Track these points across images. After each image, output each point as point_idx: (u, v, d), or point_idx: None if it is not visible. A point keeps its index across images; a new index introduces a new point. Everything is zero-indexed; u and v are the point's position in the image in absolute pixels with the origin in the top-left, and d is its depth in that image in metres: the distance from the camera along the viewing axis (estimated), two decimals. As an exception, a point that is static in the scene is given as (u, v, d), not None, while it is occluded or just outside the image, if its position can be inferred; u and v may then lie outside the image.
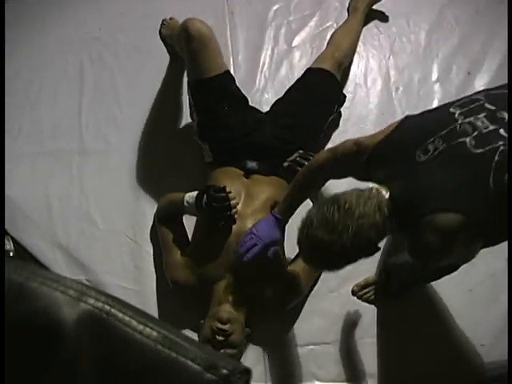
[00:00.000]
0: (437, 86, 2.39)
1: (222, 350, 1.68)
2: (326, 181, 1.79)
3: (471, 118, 1.39)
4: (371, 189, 1.42)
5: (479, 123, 1.38)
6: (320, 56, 2.21)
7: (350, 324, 2.02)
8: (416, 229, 1.39)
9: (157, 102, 2.30)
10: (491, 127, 1.37)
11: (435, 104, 2.34)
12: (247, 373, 0.80)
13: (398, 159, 1.44)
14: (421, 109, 2.29)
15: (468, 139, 1.36)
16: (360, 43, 2.43)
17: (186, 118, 2.22)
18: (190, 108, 2.08)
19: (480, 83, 2.37)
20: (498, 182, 1.31)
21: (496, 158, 1.32)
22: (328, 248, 1.36)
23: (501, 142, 1.34)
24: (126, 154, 2.23)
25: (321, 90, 2.10)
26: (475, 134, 1.36)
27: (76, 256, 2.06)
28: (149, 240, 2.10)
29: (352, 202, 1.35)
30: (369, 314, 2.01)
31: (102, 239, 2.10)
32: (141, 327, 0.81)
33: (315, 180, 1.74)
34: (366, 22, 2.46)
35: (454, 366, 1.97)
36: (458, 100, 1.50)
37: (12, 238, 2.04)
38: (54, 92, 2.32)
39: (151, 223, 2.11)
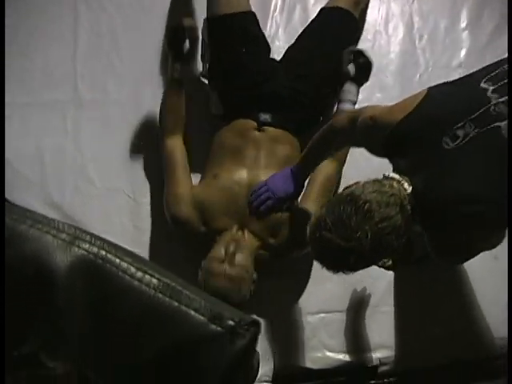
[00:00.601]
0: (465, 34, 2.33)
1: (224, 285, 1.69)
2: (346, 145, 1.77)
3: (507, 97, 1.28)
4: (392, 182, 1.34)
5: None
6: None
7: (365, 291, 2.02)
8: (441, 229, 1.35)
9: (160, 50, 2.24)
10: None
11: (463, 54, 2.30)
12: (256, 325, 0.78)
13: (422, 146, 1.35)
14: (446, 59, 2.32)
15: (503, 124, 1.26)
16: (381, -14, 2.36)
17: (192, 68, 2.17)
18: (203, 48, 2.03)
19: (515, 30, 2.30)
20: None
21: None
22: (344, 254, 1.30)
23: None
24: (126, 105, 2.19)
25: (336, 31, 2.05)
26: None
27: (71, 215, 2.04)
28: (149, 198, 2.08)
29: (372, 202, 1.27)
30: (385, 280, 2.01)
31: (99, 197, 2.09)
32: (139, 274, 0.80)
33: (334, 142, 1.70)
34: (388, -36, 2.39)
35: (475, 337, 1.96)
36: (489, 70, 1.38)
37: (0, 194, 2.03)
38: (46, 37, 2.26)
39: (152, 180, 2.09)
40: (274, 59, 2.08)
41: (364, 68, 2.02)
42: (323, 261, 1.41)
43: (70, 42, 2.26)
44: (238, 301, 1.66)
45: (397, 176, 1.36)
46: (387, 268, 1.90)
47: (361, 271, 1.93)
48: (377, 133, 1.42)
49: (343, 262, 1.34)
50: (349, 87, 2.01)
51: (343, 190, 1.39)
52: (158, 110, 2.09)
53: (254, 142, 1.90)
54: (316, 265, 1.99)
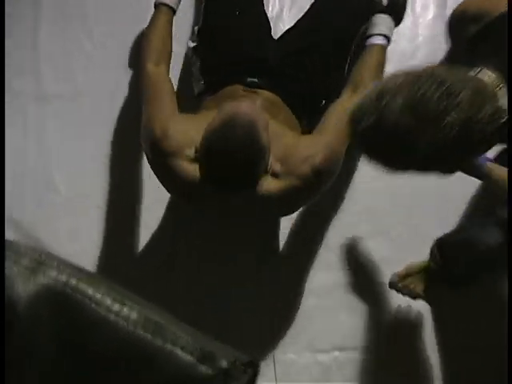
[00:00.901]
0: (509, 14, 2.34)
1: None
2: None
3: None
4: (485, 86, 1.28)
5: None
6: None
7: (388, 324, 2.03)
8: None
9: (140, 30, 2.24)
10: None
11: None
12: (254, 366, 0.80)
13: None
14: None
15: None
16: (409, -43, 2.38)
17: (176, 55, 2.19)
18: (197, 13, 2.14)
19: None
20: None
21: None
22: (410, 143, 1.21)
23: None
24: (98, 98, 2.23)
25: (348, 3, 2.10)
26: None
27: (32, 232, 2.09)
28: (124, 208, 2.13)
29: (464, 98, 1.19)
30: (413, 310, 2.02)
31: (66, 209, 2.12)
32: (117, 307, 0.81)
33: None
34: None
35: None
36: None
37: None
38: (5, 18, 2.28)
39: (127, 187, 2.14)
40: (271, 36, 2.12)
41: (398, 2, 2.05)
42: (375, 144, 1.29)
43: (29, 21, 2.29)
44: (263, 143, 1.64)
45: (492, 78, 1.31)
46: (414, 296, 1.92)
47: (383, 298, 1.99)
48: (467, 22, 1.43)
49: (400, 153, 1.25)
50: (381, 19, 2.03)
51: (418, 70, 1.27)
52: (135, 104, 2.12)
53: (246, 99, 1.92)
54: (324, 293, 2.04)
